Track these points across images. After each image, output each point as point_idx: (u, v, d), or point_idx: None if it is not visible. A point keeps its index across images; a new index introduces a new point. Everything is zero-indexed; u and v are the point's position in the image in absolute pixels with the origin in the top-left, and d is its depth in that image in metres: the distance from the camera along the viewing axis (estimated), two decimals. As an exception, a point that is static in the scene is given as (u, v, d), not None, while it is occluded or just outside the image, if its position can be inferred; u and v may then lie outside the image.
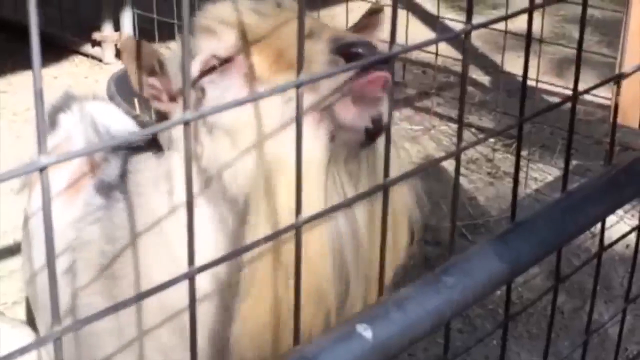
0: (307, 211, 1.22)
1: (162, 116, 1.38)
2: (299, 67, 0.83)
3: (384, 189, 0.95)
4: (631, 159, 1.33)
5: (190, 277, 0.79)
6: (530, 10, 1.09)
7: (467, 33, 0.96)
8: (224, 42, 1.32)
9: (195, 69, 1.32)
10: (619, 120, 1.36)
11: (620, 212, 3.30)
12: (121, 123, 1.80)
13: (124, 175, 1.45)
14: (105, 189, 1.49)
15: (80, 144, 1.67)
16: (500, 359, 1.30)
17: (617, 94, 1.32)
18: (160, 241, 1.35)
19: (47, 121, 1.78)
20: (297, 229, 0.88)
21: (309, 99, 1.23)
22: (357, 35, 1.29)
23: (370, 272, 1.33)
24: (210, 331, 1.35)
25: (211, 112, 0.76)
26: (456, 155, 1.06)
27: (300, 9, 0.82)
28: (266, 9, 1.34)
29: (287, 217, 1.22)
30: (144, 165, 1.42)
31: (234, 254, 0.82)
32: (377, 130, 1.24)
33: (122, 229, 1.41)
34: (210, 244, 1.32)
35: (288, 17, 1.32)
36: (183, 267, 0.78)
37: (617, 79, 1.32)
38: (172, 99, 1.37)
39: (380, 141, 1.26)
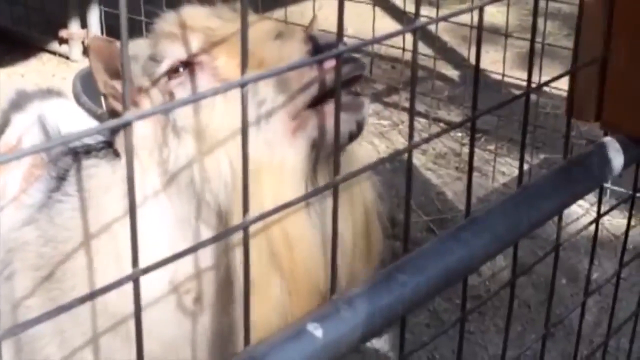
0: (288, 221, 1.24)
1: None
2: (243, 65, 0.82)
3: (334, 186, 0.95)
4: (586, 154, 1.34)
5: (134, 278, 0.78)
6: (481, 7, 1.09)
7: (415, 30, 0.96)
8: (189, 46, 1.32)
9: (162, 73, 1.33)
10: (576, 115, 1.36)
11: (586, 205, 3.32)
12: (78, 121, 1.78)
13: (64, 177, 1.44)
14: (46, 190, 1.47)
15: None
16: (457, 356, 1.31)
17: (572, 88, 1.32)
18: (111, 244, 1.34)
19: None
20: (244, 229, 0.87)
21: (282, 103, 1.24)
22: (330, 35, 1.30)
23: (350, 271, 1.33)
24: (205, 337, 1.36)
25: (153, 112, 0.75)
26: (408, 152, 1.06)
27: (243, 5, 0.81)
28: (227, 13, 1.35)
29: (273, 224, 1.23)
30: (96, 170, 1.41)
31: (179, 255, 0.81)
32: (358, 132, 1.26)
33: (65, 231, 1.40)
34: (170, 248, 1.32)
35: (251, 20, 1.32)
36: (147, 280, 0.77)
37: (571, 73, 1.33)
38: (135, 103, 1.36)
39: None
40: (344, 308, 0.96)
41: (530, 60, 1.25)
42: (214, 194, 1.28)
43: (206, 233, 1.33)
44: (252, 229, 1.23)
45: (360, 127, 1.26)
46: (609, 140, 1.38)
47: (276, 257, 1.25)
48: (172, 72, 1.32)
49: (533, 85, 1.27)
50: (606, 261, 3.11)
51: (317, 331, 0.93)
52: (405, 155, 1.07)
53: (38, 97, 1.81)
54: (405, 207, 1.07)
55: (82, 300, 0.77)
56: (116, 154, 1.38)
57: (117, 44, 1.35)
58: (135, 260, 0.78)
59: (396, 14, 5.18)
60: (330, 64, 1.22)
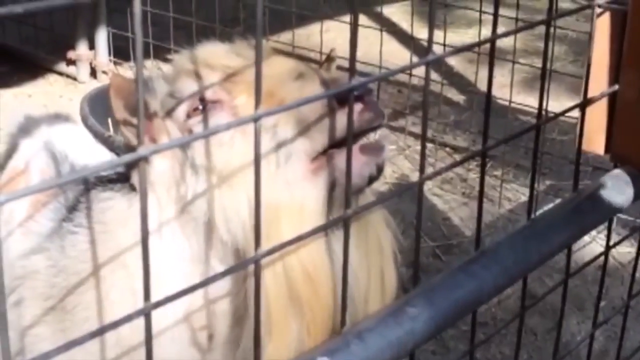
0: (308, 259, 1.24)
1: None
2: (257, 100, 0.83)
3: (345, 220, 0.95)
4: (596, 186, 1.33)
5: (146, 313, 0.78)
6: (493, 40, 1.10)
7: (428, 64, 0.96)
8: (210, 84, 1.32)
9: (182, 111, 1.33)
10: (585, 146, 1.36)
11: (593, 232, 3.31)
12: (86, 147, 1.78)
13: (76, 206, 1.44)
14: (55, 218, 1.47)
15: (37, 175, 1.66)
16: (466, 388, 1.30)
17: (582, 120, 1.32)
18: (127, 279, 1.34)
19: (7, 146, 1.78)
20: (256, 262, 0.87)
21: (302, 144, 1.25)
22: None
23: (365, 311, 1.33)
24: None
25: (168, 146, 0.75)
26: (419, 185, 1.05)
27: (258, 41, 0.81)
28: (246, 51, 1.35)
29: (293, 262, 1.23)
30: (112, 203, 1.41)
31: (190, 289, 0.81)
32: (378, 175, 1.27)
33: (79, 263, 1.40)
34: (186, 284, 1.31)
35: (271, 59, 1.33)
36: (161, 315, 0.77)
37: (582, 106, 1.33)
38: (153, 140, 1.35)
39: None
40: (354, 342, 0.96)
41: (541, 91, 1.25)
42: (232, 234, 1.28)
43: (231, 276, 1.31)
44: (270, 266, 1.23)
45: (380, 170, 1.27)
46: (618, 172, 1.37)
47: (295, 295, 1.24)
48: (191, 110, 1.32)
49: (543, 115, 1.27)
50: (613, 289, 3.10)
51: (327, 365, 0.92)
52: (411, 179, 1.08)
53: (46, 122, 1.82)
54: (416, 240, 1.07)
55: (94, 334, 0.77)
56: (132, 188, 1.38)
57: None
58: (147, 295, 0.78)
59: (403, 38, 5.20)
60: (355, 108, 1.22)
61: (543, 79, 1.25)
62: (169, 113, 1.34)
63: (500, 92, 4.06)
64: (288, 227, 1.23)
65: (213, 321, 1.35)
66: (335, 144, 1.26)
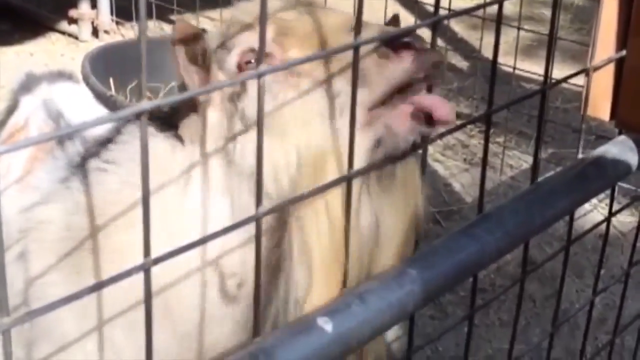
0: (339, 217, 1.23)
1: (190, 107, 1.35)
2: (260, 55, 0.82)
3: (347, 180, 0.94)
4: (600, 152, 1.33)
5: (145, 268, 0.78)
6: (500, 1, 1.08)
7: (435, 23, 0.95)
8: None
9: (232, 61, 1.32)
10: (590, 112, 1.35)
11: (594, 200, 3.31)
12: (86, 105, 1.77)
13: (85, 160, 1.42)
14: (60, 173, 1.45)
15: (35, 132, 1.64)
16: (465, 354, 1.30)
17: (588, 86, 1.31)
18: (164, 223, 1.32)
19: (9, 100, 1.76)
20: (257, 220, 0.86)
21: (359, 94, 1.22)
22: (402, 27, 1.28)
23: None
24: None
25: (168, 102, 0.74)
26: (422, 148, 1.05)
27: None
28: (301, 5, 1.34)
29: (337, 210, 1.22)
30: (153, 143, 1.38)
31: (194, 245, 0.80)
32: (422, 144, 1.24)
33: (107, 204, 1.36)
34: (232, 242, 1.31)
35: (322, 13, 1.33)
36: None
37: (587, 72, 1.31)
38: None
39: None
40: (355, 303, 0.96)
41: (547, 57, 1.23)
42: (278, 185, 1.27)
43: (264, 223, 1.29)
44: (313, 215, 1.21)
45: (424, 140, 1.22)
46: (623, 139, 1.37)
47: (337, 244, 1.22)
48: (243, 62, 1.31)
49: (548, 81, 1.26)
50: (613, 258, 3.10)
51: (327, 325, 0.92)
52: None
53: (47, 80, 1.80)
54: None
55: (96, 287, 0.77)
56: (180, 139, 1.36)
57: (203, 33, 1.34)
58: (147, 251, 0.77)
59: (408, 3, 5.16)
60: (408, 54, 1.20)
61: (550, 44, 1.24)
62: (219, 63, 1.34)
63: (504, 59, 4.02)
64: (332, 173, 1.21)
65: (241, 269, 1.35)
66: (395, 91, 1.23)
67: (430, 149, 3.76)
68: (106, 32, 4.73)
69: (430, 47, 1.23)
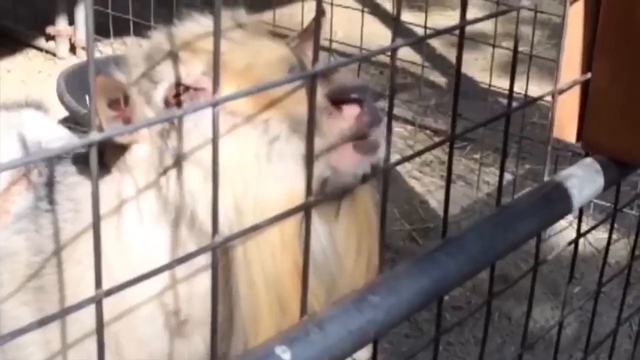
0: (282, 251, 1.22)
1: (117, 146, 1.32)
2: (215, 83, 0.81)
3: (306, 209, 0.94)
4: (566, 175, 1.33)
5: (97, 300, 0.77)
6: (462, 27, 1.08)
7: (393, 50, 0.95)
8: (192, 69, 1.26)
9: (159, 96, 1.28)
10: (557, 134, 1.36)
11: (570, 217, 3.32)
12: (53, 132, 1.75)
13: (51, 185, 1.41)
14: (33, 199, 1.45)
15: (5, 157, 1.63)
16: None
17: (553, 108, 1.31)
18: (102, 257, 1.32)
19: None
20: (213, 249, 0.86)
21: (297, 145, 1.21)
22: (349, 78, 1.25)
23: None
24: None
25: (118, 133, 0.74)
26: (384, 171, 1.04)
27: (216, 20, 0.80)
28: (235, 34, 1.29)
29: (278, 253, 1.22)
30: (80, 179, 1.38)
31: (142, 278, 0.79)
32: (373, 175, 1.23)
33: (54, 242, 1.37)
34: (173, 278, 1.30)
35: (260, 45, 1.28)
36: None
37: (554, 94, 1.32)
38: (127, 122, 1.31)
39: None
40: (314, 331, 0.95)
41: (511, 78, 1.24)
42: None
43: (203, 260, 1.24)
44: (257, 257, 1.22)
45: (374, 170, 1.22)
46: (589, 161, 1.37)
47: (282, 286, 1.23)
48: (171, 97, 1.27)
49: (515, 104, 1.27)
50: (588, 275, 3.11)
51: (285, 354, 0.91)
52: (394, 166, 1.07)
53: (15, 108, 1.77)
54: (380, 229, 1.06)
55: (53, 317, 0.76)
56: (106, 168, 1.34)
57: (120, 78, 1.32)
58: (98, 282, 0.77)
59: (386, 19, 5.17)
60: (350, 112, 1.19)
61: (514, 64, 1.25)
62: (145, 96, 1.29)
63: (481, 76, 4.05)
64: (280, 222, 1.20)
65: (185, 306, 1.33)
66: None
67: (408, 165, 3.77)
68: (84, 48, 4.71)
69: (374, 106, 1.21)
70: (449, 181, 1.15)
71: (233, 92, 0.85)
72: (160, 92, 1.27)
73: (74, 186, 1.39)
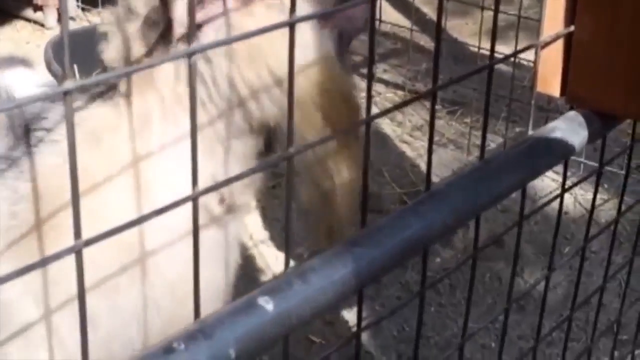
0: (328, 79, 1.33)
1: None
2: (191, 34, 0.81)
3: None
4: (549, 128, 1.33)
5: (77, 250, 0.77)
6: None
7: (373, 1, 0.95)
8: None
9: (181, 6, 1.31)
10: (540, 88, 1.36)
11: (560, 178, 3.32)
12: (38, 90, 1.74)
13: (27, 133, 1.40)
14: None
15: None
16: (417, 332, 1.30)
17: (537, 62, 1.31)
18: (132, 184, 1.34)
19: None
20: (193, 200, 0.86)
21: (312, 7, 1.33)
22: None
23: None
24: None
25: (92, 81, 0.74)
26: (366, 124, 1.04)
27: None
28: None
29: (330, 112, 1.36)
30: (94, 112, 1.37)
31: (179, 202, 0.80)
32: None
33: (54, 178, 1.35)
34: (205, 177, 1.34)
35: None
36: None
37: (537, 47, 1.32)
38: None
39: None
40: (297, 282, 0.95)
41: (493, 32, 1.23)
42: (260, 106, 1.34)
43: (240, 147, 1.40)
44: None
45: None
46: (573, 114, 1.37)
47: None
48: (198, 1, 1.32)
49: (498, 56, 1.26)
50: (578, 234, 3.12)
51: (268, 305, 0.92)
52: (381, 126, 1.07)
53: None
54: (363, 187, 1.06)
55: (33, 267, 0.76)
56: (125, 95, 1.36)
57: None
58: (77, 232, 0.76)
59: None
60: None
61: (495, 21, 1.24)
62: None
63: (473, 39, 4.03)
64: (306, 80, 1.31)
65: (231, 192, 1.43)
66: None
67: (398, 130, 3.77)
68: (72, 18, 4.69)
69: None
70: (431, 135, 1.15)
71: (209, 43, 0.85)
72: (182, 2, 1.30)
73: (84, 119, 1.38)
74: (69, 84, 0.70)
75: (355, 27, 1.42)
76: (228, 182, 0.88)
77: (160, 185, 1.35)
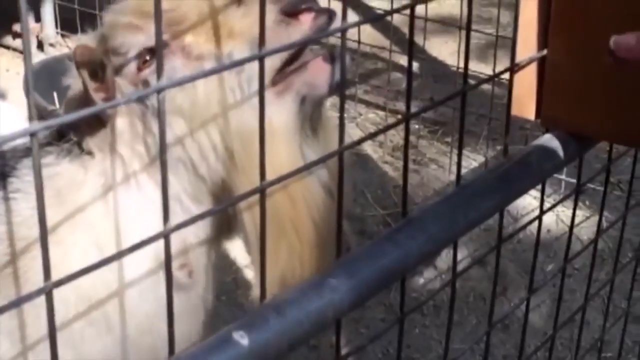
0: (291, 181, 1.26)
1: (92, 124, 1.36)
2: (159, 72, 0.80)
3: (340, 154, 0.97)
4: (525, 152, 1.33)
5: (46, 291, 0.76)
6: (412, 6, 1.08)
7: (343, 31, 0.95)
8: (151, 33, 1.29)
9: (132, 66, 1.32)
10: (516, 112, 1.36)
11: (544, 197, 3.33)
12: (17, 124, 1.74)
13: (7, 174, 1.40)
14: None
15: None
16: (397, 355, 1.30)
17: (511, 86, 1.32)
18: (90, 236, 1.35)
19: None
20: (165, 236, 0.85)
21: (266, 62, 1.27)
22: None
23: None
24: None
25: (58, 122, 0.73)
26: (339, 155, 1.04)
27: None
28: None
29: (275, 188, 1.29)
30: (60, 169, 1.38)
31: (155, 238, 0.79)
32: (342, 82, 1.29)
33: (25, 229, 1.36)
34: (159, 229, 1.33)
35: None
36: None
37: (510, 71, 1.32)
38: (108, 99, 1.34)
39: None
40: (272, 316, 0.95)
41: (466, 55, 1.24)
42: (211, 168, 1.31)
43: (195, 208, 1.36)
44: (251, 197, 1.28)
45: (343, 77, 1.29)
46: (548, 137, 1.37)
47: (278, 217, 1.28)
48: (141, 62, 1.32)
49: (480, 76, 1.27)
50: (561, 252, 3.12)
51: (243, 340, 0.91)
52: (363, 147, 1.06)
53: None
54: (338, 212, 1.06)
55: (57, 284, 0.75)
56: (87, 153, 1.37)
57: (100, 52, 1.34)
58: (47, 274, 0.76)
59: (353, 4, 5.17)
60: (306, 17, 1.26)
61: (467, 43, 1.25)
62: (117, 71, 1.33)
63: (453, 58, 4.04)
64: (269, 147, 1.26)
65: (191, 256, 1.40)
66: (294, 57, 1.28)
67: (380, 150, 3.77)
68: (52, 45, 4.68)
69: (324, 7, 1.31)
70: (406, 161, 1.15)
71: (176, 79, 0.85)
72: (132, 62, 1.32)
73: (51, 176, 1.39)
74: (35, 125, 0.69)
75: (318, 94, 1.30)
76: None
77: (122, 242, 1.35)
